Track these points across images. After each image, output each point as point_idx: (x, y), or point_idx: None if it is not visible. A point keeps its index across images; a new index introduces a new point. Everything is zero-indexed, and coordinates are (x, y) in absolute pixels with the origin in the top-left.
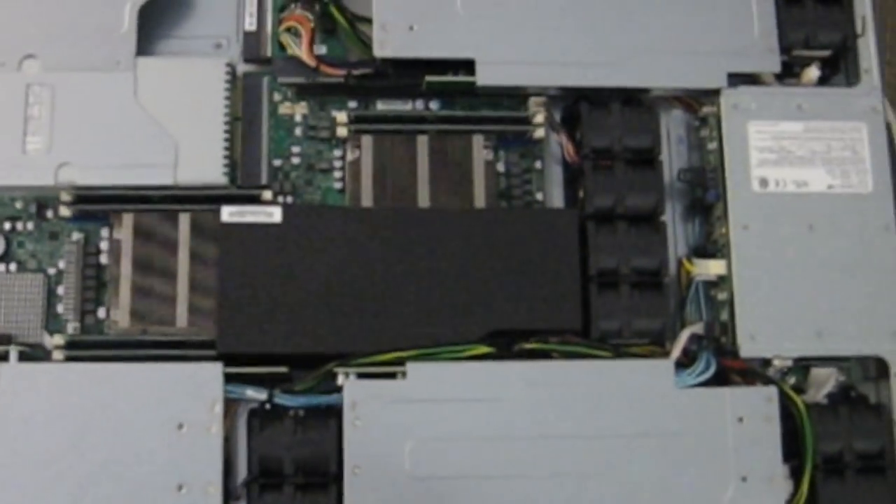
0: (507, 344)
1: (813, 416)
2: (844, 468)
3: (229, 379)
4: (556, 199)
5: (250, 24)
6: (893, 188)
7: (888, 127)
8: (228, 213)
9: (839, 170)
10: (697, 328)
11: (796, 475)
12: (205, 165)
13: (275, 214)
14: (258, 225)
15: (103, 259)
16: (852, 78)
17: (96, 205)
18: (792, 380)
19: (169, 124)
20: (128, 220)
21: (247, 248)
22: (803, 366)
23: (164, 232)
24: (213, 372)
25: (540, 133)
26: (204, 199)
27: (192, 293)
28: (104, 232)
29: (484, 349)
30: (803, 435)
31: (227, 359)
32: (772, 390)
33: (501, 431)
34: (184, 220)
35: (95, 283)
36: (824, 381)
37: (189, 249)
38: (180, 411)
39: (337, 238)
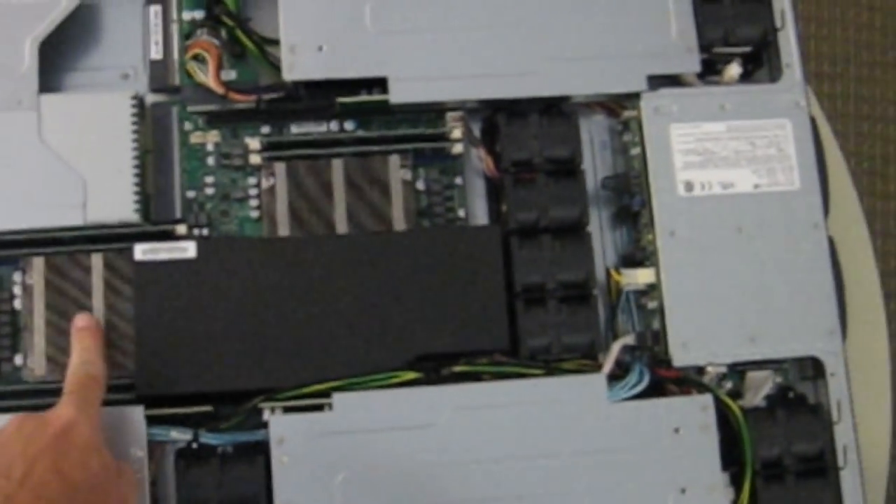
0: (435, 368)
1: (750, 421)
2: (784, 472)
3: (153, 421)
4: (480, 214)
5: (156, 53)
6: (821, 184)
7: (812, 121)
8: (141, 252)
9: (765, 168)
10: (629, 339)
11: (737, 482)
12: (115, 203)
13: (189, 250)
14: (173, 261)
15: (17, 304)
16: (775, 73)
17: (6, 249)
18: (728, 384)
19: (76, 162)
20: (38, 263)
21: (162, 286)
22: (739, 370)
23: (76, 274)
24: (134, 415)
25: (458, 148)
26: (116, 238)
27: (109, 335)
28: (17, 276)
29: (412, 375)
30: (741, 441)
31: (149, 401)
32: (707, 398)
33: (434, 458)
34: (96, 261)
35: (11, 330)
36: (761, 385)
37: (103, 291)
38: None
39: (254, 270)
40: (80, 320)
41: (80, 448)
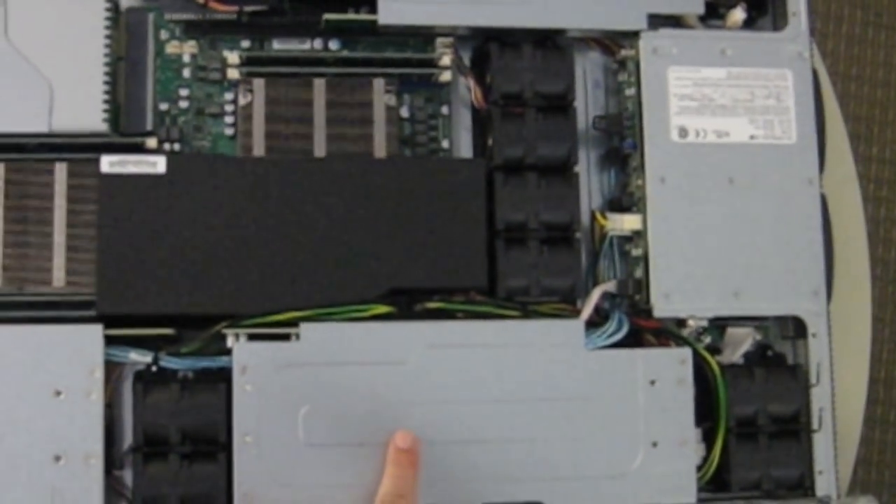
0: (408, 303)
1: (728, 377)
2: (758, 432)
3: (111, 341)
4: (464, 146)
5: None
6: (818, 139)
7: (815, 74)
8: (108, 164)
9: (762, 119)
10: (610, 286)
11: (709, 438)
12: (83, 110)
13: (159, 164)
14: (141, 176)
15: None
16: (779, 22)
17: None
18: (708, 339)
19: (44, 65)
20: None
21: (129, 201)
22: (719, 325)
23: (39, 183)
24: (92, 334)
25: (446, 76)
26: (82, 148)
27: (70, 250)
28: None
29: (384, 309)
30: (717, 398)
31: (109, 320)
32: (686, 352)
33: (402, 396)
34: (60, 171)
35: None
36: (741, 341)
37: (66, 202)
38: (58, 377)
39: (226, 190)
40: (403, 440)
41: None
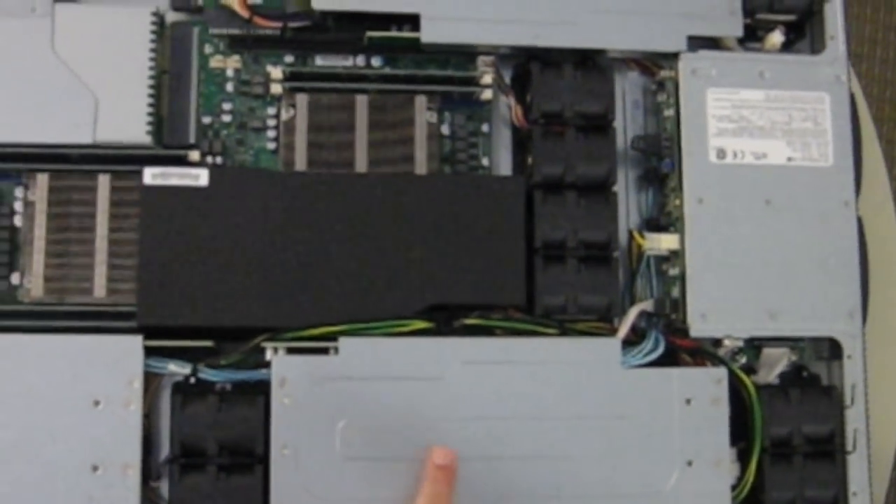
0: (446, 319)
1: (763, 398)
2: (792, 452)
3: (151, 352)
4: (504, 164)
5: None
6: (855, 162)
7: (852, 98)
8: (151, 175)
9: (800, 142)
10: (647, 305)
11: (744, 458)
12: (127, 123)
13: (201, 177)
14: (183, 188)
15: (17, 221)
16: (817, 45)
17: (9, 163)
18: (743, 359)
19: (89, 77)
20: (42, 180)
21: (170, 213)
22: (755, 346)
23: (81, 194)
24: (132, 345)
25: (487, 95)
26: (125, 160)
27: (112, 260)
28: (18, 192)
29: (422, 324)
30: (752, 419)
31: (149, 331)
32: (721, 371)
33: (439, 411)
34: (103, 182)
35: (9, 247)
36: (776, 362)
37: (109, 213)
38: (97, 387)
39: (267, 204)
40: (441, 456)
41: None
